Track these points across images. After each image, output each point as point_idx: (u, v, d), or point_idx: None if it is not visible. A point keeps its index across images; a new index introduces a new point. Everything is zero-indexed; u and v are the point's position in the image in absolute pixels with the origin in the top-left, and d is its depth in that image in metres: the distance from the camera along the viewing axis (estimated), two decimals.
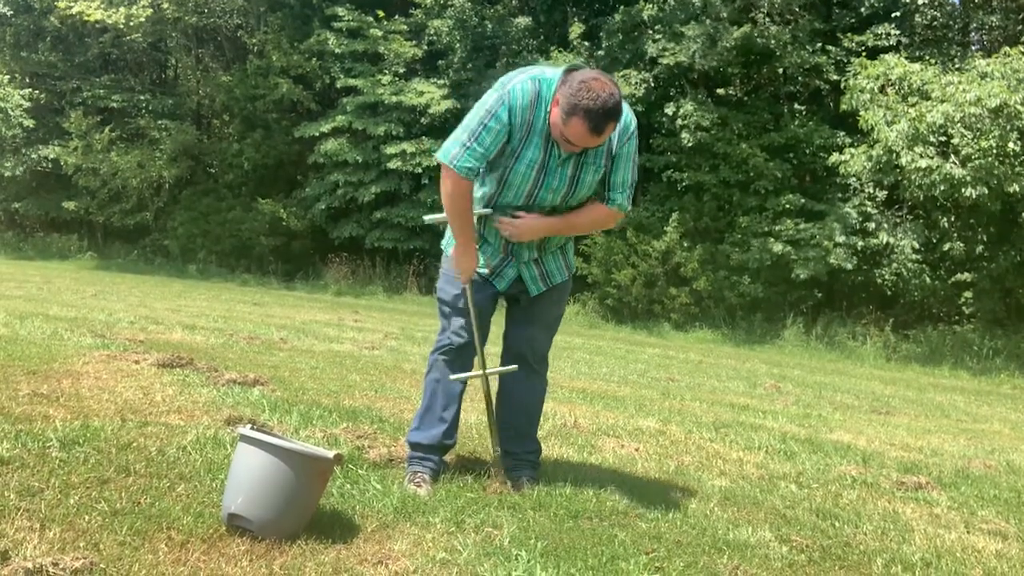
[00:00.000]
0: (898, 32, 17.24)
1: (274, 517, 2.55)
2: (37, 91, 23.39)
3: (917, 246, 15.84)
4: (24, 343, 5.44)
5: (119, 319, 7.80)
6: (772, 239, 16.13)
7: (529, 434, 3.54)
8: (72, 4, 20.95)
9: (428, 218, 3.48)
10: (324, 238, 21.43)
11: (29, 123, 22.47)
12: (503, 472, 3.35)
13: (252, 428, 2.73)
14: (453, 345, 3.36)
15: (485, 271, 3.32)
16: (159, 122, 22.75)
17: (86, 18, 20.85)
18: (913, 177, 13.58)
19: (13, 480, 2.74)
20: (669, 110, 17.05)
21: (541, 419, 4.78)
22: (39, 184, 23.85)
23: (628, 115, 3.14)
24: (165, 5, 21.29)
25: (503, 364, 3.50)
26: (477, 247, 3.24)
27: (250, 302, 13.38)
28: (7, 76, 23.08)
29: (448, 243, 3.40)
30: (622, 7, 18.36)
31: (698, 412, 6.02)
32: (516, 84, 3.08)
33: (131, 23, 20.83)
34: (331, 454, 2.70)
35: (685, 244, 17.07)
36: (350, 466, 3.31)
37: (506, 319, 3.51)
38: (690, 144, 16.87)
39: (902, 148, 13.54)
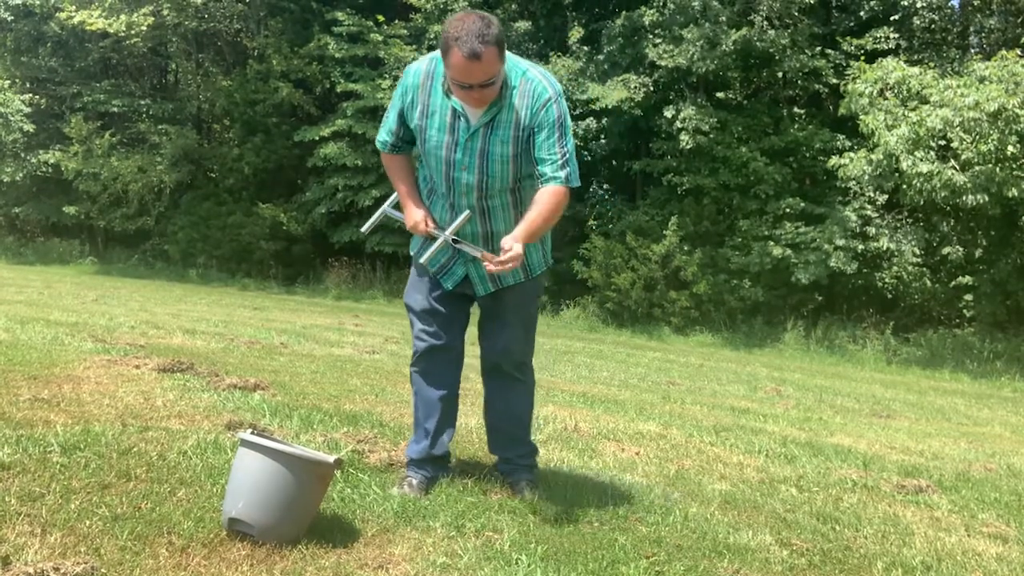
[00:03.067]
0: (897, 36, 17.28)
1: (275, 521, 2.55)
2: (38, 96, 23.43)
3: (918, 251, 15.85)
4: (25, 348, 5.45)
5: (120, 324, 7.80)
6: (772, 243, 16.15)
7: (521, 438, 3.48)
8: (74, 13, 20.99)
9: (364, 228, 3.46)
10: (324, 242, 21.45)
11: (30, 128, 22.50)
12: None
13: (253, 433, 2.73)
14: (419, 351, 3.35)
15: (433, 269, 3.28)
16: (159, 127, 22.77)
17: (88, 27, 20.88)
18: (914, 182, 13.59)
19: (14, 485, 2.74)
20: (668, 113, 17.06)
21: (541, 423, 4.80)
22: (40, 189, 23.87)
23: (540, 84, 3.03)
24: (165, 11, 21.32)
25: (482, 375, 3.46)
26: (427, 221, 3.21)
27: (250, 307, 13.38)
28: (8, 81, 23.12)
29: (413, 247, 3.39)
30: (622, 12, 18.39)
31: (699, 416, 6.02)
32: (411, 65, 3.17)
33: (132, 31, 20.85)
34: (331, 458, 2.70)
35: (685, 248, 17.08)
36: (350, 470, 3.32)
37: (477, 329, 3.45)
38: (689, 147, 16.89)
39: (902, 153, 13.55)
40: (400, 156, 3.28)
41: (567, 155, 3.04)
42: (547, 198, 3.01)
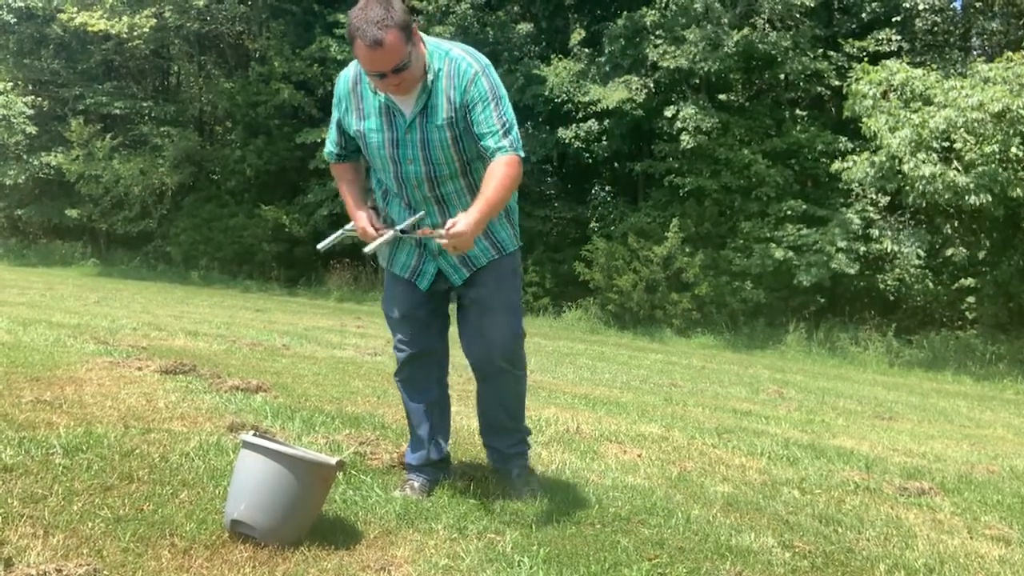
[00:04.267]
0: (899, 37, 17.28)
1: (277, 523, 2.55)
2: (40, 98, 23.44)
3: (921, 253, 15.84)
4: (27, 350, 5.45)
5: (122, 326, 7.80)
6: (774, 245, 16.15)
7: (511, 428, 3.39)
8: (75, 15, 21.02)
9: (321, 246, 3.38)
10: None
11: (32, 130, 22.53)
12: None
13: (255, 434, 2.73)
14: (400, 361, 3.34)
15: (406, 274, 3.24)
16: (161, 129, 22.79)
17: (89, 28, 20.91)
18: (916, 184, 13.58)
19: (17, 487, 2.74)
20: (669, 113, 17.06)
21: (543, 425, 4.80)
22: (42, 191, 23.90)
23: (463, 60, 2.97)
24: (167, 13, 21.34)
25: (472, 371, 3.34)
26: (385, 231, 3.15)
27: (252, 308, 13.39)
28: (10, 83, 23.15)
29: (387, 258, 3.34)
30: (624, 13, 18.40)
31: (701, 418, 6.02)
32: (341, 74, 3.18)
33: (134, 32, 20.88)
34: (333, 460, 2.70)
35: (687, 249, 17.08)
36: (352, 472, 3.32)
37: (457, 327, 3.32)
38: (690, 147, 16.88)
39: (905, 155, 13.54)
40: (347, 165, 3.27)
41: (507, 123, 2.97)
42: (498, 169, 2.93)
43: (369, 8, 2.80)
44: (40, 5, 22.37)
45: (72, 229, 24.05)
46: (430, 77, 2.96)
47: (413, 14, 20.98)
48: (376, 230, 3.10)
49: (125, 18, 20.87)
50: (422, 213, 3.10)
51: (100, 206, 22.55)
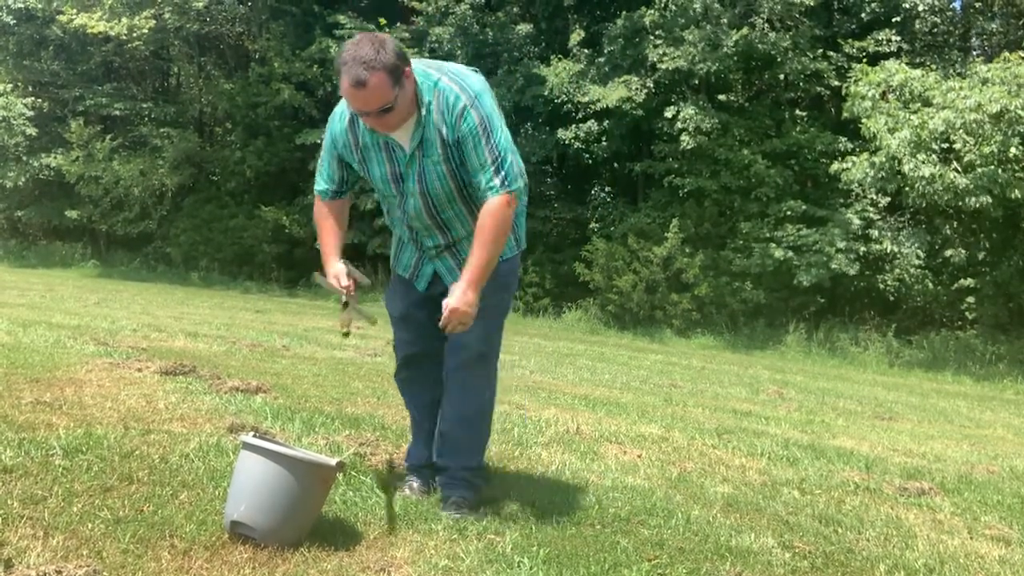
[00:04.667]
0: (899, 38, 17.28)
1: (276, 524, 2.55)
2: (40, 100, 23.43)
3: (920, 253, 15.85)
4: (27, 351, 5.45)
5: (122, 327, 7.80)
6: (774, 245, 16.14)
7: (464, 446, 3.16)
8: (74, 16, 21.02)
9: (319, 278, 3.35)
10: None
11: (32, 131, 22.51)
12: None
13: (255, 436, 2.73)
14: (400, 359, 3.34)
15: (407, 274, 3.25)
16: (161, 130, 22.77)
17: (89, 30, 20.91)
18: (916, 185, 13.58)
19: (16, 488, 2.74)
20: (669, 113, 17.07)
21: (543, 425, 4.80)
22: (42, 192, 23.88)
23: (452, 92, 2.87)
24: (167, 15, 21.34)
25: (444, 372, 3.19)
26: (398, 257, 3.27)
27: (252, 309, 13.39)
28: (10, 85, 23.13)
29: (391, 254, 3.37)
30: (623, 13, 18.41)
31: (701, 418, 6.02)
32: (335, 111, 3.07)
33: (134, 34, 20.88)
34: (333, 461, 2.70)
35: (687, 250, 17.08)
36: (352, 473, 3.32)
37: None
38: (690, 147, 16.88)
39: (904, 155, 13.54)
40: (337, 202, 3.18)
41: (498, 158, 2.88)
42: (486, 220, 2.88)
43: (360, 46, 2.74)
44: (40, 7, 22.35)
45: (72, 230, 24.04)
46: (423, 111, 2.89)
47: (413, 15, 21.03)
48: (344, 288, 3.08)
49: (125, 19, 20.87)
50: (367, 282, 3.15)
51: (100, 207, 22.55)
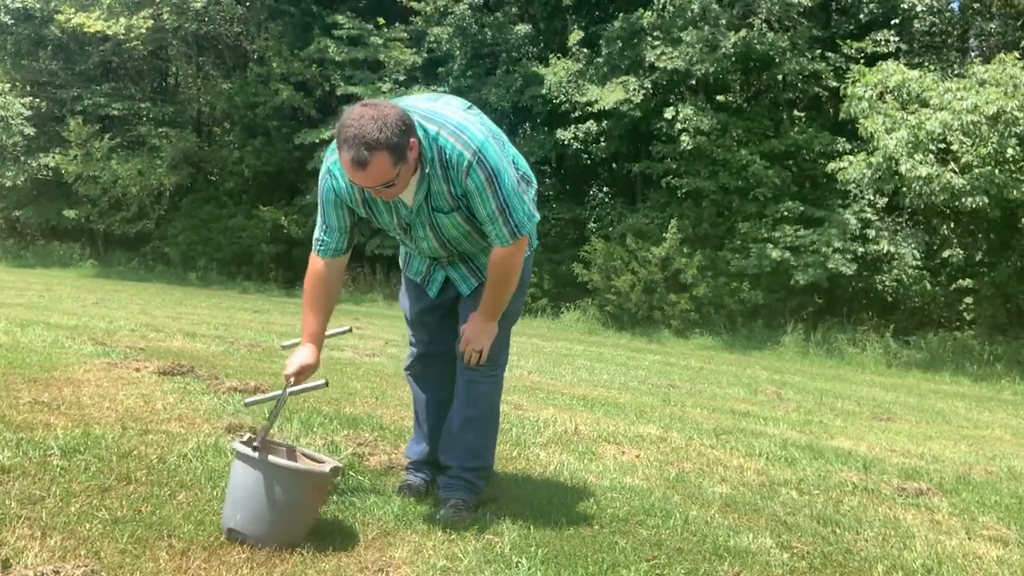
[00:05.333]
0: (897, 39, 17.29)
1: (272, 533, 2.56)
2: (38, 99, 23.40)
3: (918, 254, 15.86)
4: (25, 351, 5.45)
5: (120, 327, 7.80)
6: (771, 245, 16.15)
7: (472, 449, 3.13)
8: (72, 15, 21.00)
9: (285, 344, 3.28)
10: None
11: (30, 131, 22.49)
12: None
13: (251, 437, 2.73)
14: (413, 356, 3.34)
15: (418, 279, 3.24)
16: (159, 130, 22.77)
17: (87, 29, 20.90)
18: (913, 185, 13.60)
19: (14, 488, 2.74)
20: (668, 114, 17.08)
21: (541, 426, 4.80)
22: (40, 192, 23.86)
23: (454, 149, 2.76)
24: (165, 15, 21.33)
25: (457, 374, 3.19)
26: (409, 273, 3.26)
27: (251, 309, 13.39)
28: (8, 85, 23.10)
29: (400, 258, 3.37)
30: (621, 14, 18.43)
31: (699, 419, 6.02)
32: (331, 165, 2.95)
33: (131, 33, 20.87)
34: (328, 468, 2.70)
35: (685, 250, 17.09)
36: (351, 473, 3.32)
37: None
38: (689, 147, 16.90)
39: (902, 156, 13.56)
40: (338, 261, 3.04)
41: (505, 207, 2.83)
42: (495, 268, 2.93)
43: (364, 120, 2.61)
44: (38, 6, 22.35)
45: (70, 230, 24.02)
46: (425, 168, 2.80)
47: (412, 15, 21.03)
48: (286, 378, 2.89)
49: (123, 19, 20.87)
50: (322, 383, 2.99)
51: (98, 207, 22.53)
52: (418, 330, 3.31)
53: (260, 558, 2.47)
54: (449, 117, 2.83)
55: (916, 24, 17.85)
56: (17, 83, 23.66)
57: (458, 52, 20.44)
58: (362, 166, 2.62)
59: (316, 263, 3.04)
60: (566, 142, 18.67)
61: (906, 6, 17.18)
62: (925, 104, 13.93)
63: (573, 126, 18.58)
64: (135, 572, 2.29)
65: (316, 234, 3.05)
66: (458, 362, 3.14)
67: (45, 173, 22.91)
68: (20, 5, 22.59)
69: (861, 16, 18.04)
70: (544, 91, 18.50)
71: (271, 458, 2.62)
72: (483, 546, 2.74)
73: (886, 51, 16.93)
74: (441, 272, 3.18)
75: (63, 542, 2.39)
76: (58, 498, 2.70)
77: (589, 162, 20.41)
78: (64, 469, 2.96)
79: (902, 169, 13.62)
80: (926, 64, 16.16)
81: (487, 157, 2.79)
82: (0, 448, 3.09)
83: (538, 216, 3.06)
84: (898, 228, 16.45)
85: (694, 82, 17.84)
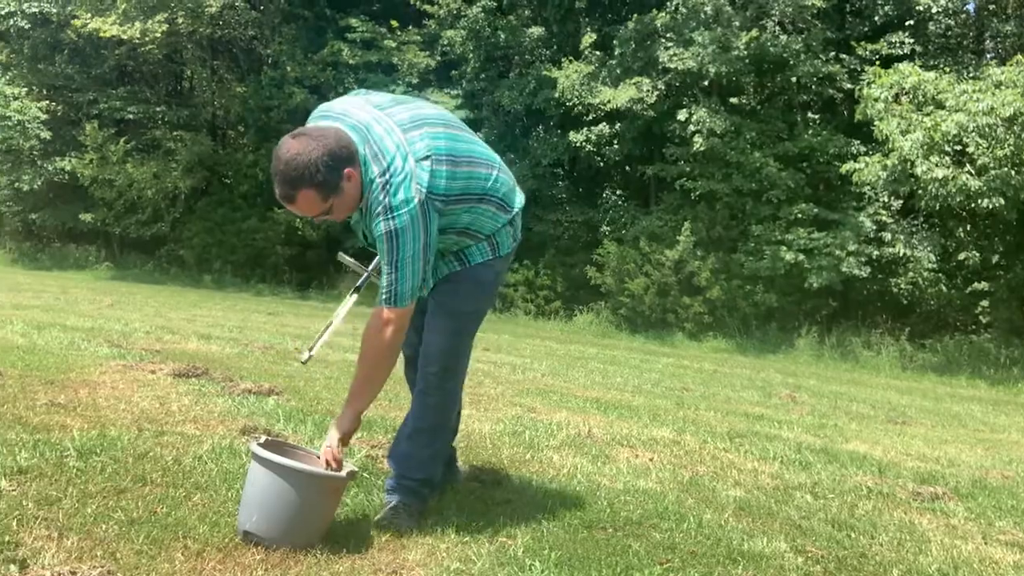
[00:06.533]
0: (912, 40, 17.20)
1: (287, 534, 2.57)
2: (54, 103, 23.57)
3: (934, 256, 15.77)
4: (42, 353, 5.49)
5: (135, 329, 7.84)
6: (785, 248, 16.09)
7: (415, 460, 3.01)
8: (88, 21, 21.16)
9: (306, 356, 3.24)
10: (339, 248, 21.51)
11: (46, 135, 22.65)
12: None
13: (268, 439, 2.74)
14: (404, 361, 3.29)
15: None
16: (174, 133, 22.88)
17: (102, 34, 21.04)
18: (929, 187, 13.52)
19: (31, 489, 2.76)
20: (681, 116, 17.05)
21: (554, 428, 4.79)
22: (56, 195, 24.01)
23: (377, 200, 2.69)
24: (180, 19, 21.45)
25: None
26: None
27: (265, 312, 13.44)
28: (25, 89, 23.28)
29: None
30: (635, 16, 18.42)
31: (712, 422, 6.01)
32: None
33: (147, 37, 21.01)
34: (344, 472, 2.71)
35: (698, 253, 17.04)
36: (364, 475, 3.32)
37: None
38: (703, 149, 16.85)
39: (917, 158, 13.49)
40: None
41: (392, 275, 2.71)
42: (366, 335, 2.78)
43: (291, 155, 2.59)
44: (54, 11, 22.52)
45: (86, 233, 24.16)
46: (361, 204, 2.77)
47: (425, 18, 21.05)
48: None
49: (138, 23, 20.98)
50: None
51: (114, 210, 22.65)
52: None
53: (274, 560, 2.48)
54: (392, 160, 2.71)
55: (931, 26, 17.75)
56: (34, 87, 23.83)
57: (471, 55, 20.46)
58: (289, 201, 2.65)
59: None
60: (578, 144, 18.67)
61: (921, 8, 17.09)
62: (941, 106, 13.85)
63: (586, 129, 18.57)
64: (151, 573, 2.30)
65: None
66: (418, 369, 3.06)
67: (61, 177, 23.06)
68: (37, 10, 22.76)
69: (875, 18, 17.96)
70: (557, 94, 18.50)
71: (288, 461, 2.64)
72: (496, 549, 2.74)
73: (901, 53, 16.85)
74: None
75: (80, 543, 2.41)
76: (75, 499, 2.72)
77: (602, 165, 20.37)
78: (80, 470, 2.98)
79: (918, 171, 13.55)
80: (941, 66, 16.05)
81: (396, 218, 2.67)
82: (17, 449, 3.11)
83: (510, 245, 3.03)
84: (913, 230, 16.35)
85: (707, 84, 17.80)
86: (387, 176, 2.69)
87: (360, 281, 3.13)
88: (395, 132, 2.76)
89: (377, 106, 2.86)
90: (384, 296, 2.75)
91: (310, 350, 3.16)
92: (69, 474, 2.94)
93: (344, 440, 2.80)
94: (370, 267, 3.11)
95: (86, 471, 2.98)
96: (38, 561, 2.27)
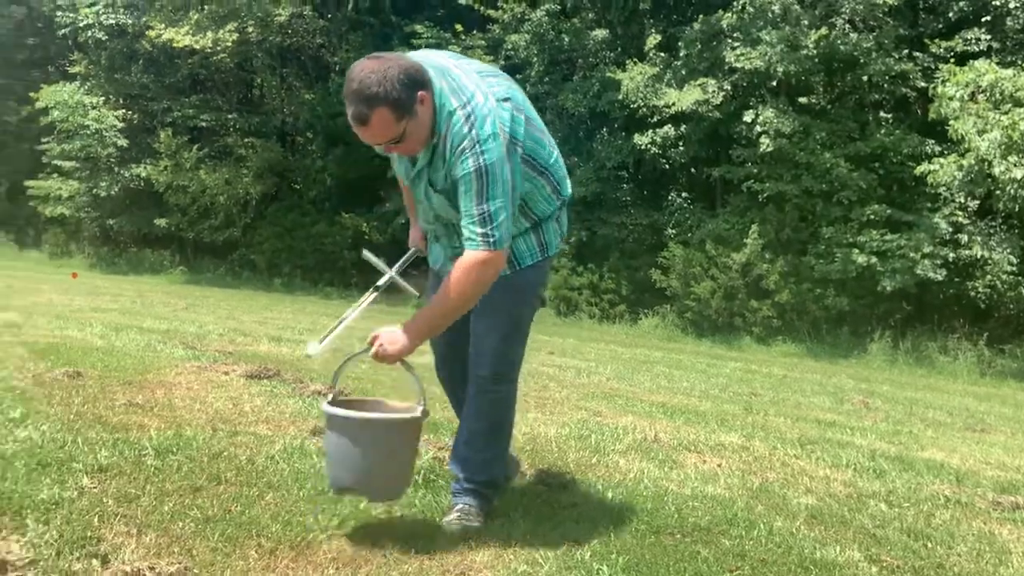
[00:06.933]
0: (989, 37, 16.67)
1: (380, 483, 2.70)
2: (130, 112, 24.31)
3: (1013, 259, 15.26)
4: (120, 354, 5.65)
5: (209, 331, 8.03)
6: (857, 250, 15.74)
7: (476, 463, 2.99)
8: (162, 31, 21.78)
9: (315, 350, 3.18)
10: (405, 251, 21.69)
11: (123, 143, 23.39)
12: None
13: (337, 398, 2.86)
14: (437, 358, 3.29)
15: (436, 266, 3.16)
16: (245, 140, 23.40)
17: (175, 44, 21.63)
18: (1007, 188, 13.10)
19: (111, 487, 2.85)
20: (748, 117, 16.81)
21: (620, 433, 4.76)
22: (132, 201, 24.74)
23: (461, 127, 2.59)
24: (250, 28, 21.92)
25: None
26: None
27: (334, 315, 13.58)
28: (102, 98, 24.06)
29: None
30: (700, 16, 18.22)
31: (782, 428, 5.91)
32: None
33: (218, 47, 21.52)
34: (418, 412, 2.78)
35: (766, 256, 16.77)
36: (432, 477, 3.35)
37: None
38: (770, 150, 16.57)
39: (995, 157, 13.08)
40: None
41: (486, 213, 2.59)
42: (456, 275, 2.66)
43: (366, 73, 2.52)
44: (130, 23, 23.25)
45: (161, 238, 24.83)
46: (435, 140, 2.67)
47: (489, 22, 21.15)
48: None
49: (210, 33, 21.52)
50: (413, 251, 3.23)
51: (187, 215, 23.25)
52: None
53: (345, 558, 2.52)
54: (473, 96, 2.64)
55: (1009, 21, 17.18)
56: (111, 96, 24.61)
57: (535, 59, 20.47)
58: (363, 122, 2.57)
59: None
60: (644, 147, 18.53)
61: (998, 3, 16.55)
62: (1019, 104, 13.40)
63: (651, 131, 18.42)
64: (226, 570, 2.35)
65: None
66: (469, 372, 3.01)
67: (137, 183, 23.75)
68: (113, 22, 23.53)
69: (950, 14, 17.46)
70: (621, 96, 18.39)
71: (360, 413, 2.75)
72: (563, 552, 2.73)
73: (976, 50, 16.35)
74: (437, 246, 3.08)
75: (157, 540, 2.47)
76: (152, 497, 2.79)
77: (667, 167, 20.19)
78: (158, 469, 3.07)
79: (995, 171, 13.13)
80: (1020, 62, 15.53)
81: (486, 151, 2.58)
82: (98, 448, 3.21)
83: (557, 245, 3.00)
84: (991, 232, 15.84)
85: (775, 84, 17.51)
86: (469, 108, 2.61)
87: (382, 280, 3.10)
88: (473, 76, 2.73)
89: (453, 57, 2.86)
90: (479, 238, 2.61)
91: (320, 342, 3.16)
92: (147, 472, 3.02)
93: (399, 356, 2.81)
94: (394, 268, 3.11)
95: (163, 470, 3.07)
96: (118, 557, 2.34)
